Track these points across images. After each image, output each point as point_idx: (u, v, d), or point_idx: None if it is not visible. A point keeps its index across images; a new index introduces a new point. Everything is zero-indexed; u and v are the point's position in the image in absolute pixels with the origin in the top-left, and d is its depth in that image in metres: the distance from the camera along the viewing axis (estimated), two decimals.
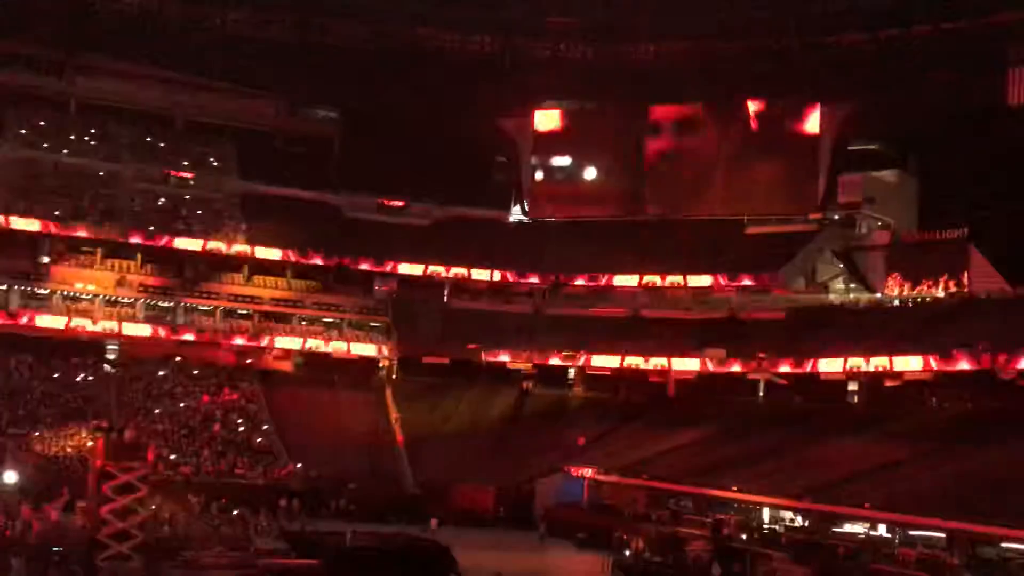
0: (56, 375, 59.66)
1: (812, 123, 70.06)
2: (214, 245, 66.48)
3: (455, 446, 60.27)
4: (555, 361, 66.61)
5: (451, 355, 67.15)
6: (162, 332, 63.01)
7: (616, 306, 69.49)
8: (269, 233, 68.05)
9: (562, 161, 76.70)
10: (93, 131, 71.70)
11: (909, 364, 52.54)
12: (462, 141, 73.13)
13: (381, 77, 72.25)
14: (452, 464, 58.18)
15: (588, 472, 56.72)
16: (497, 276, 71.42)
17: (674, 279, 67.92)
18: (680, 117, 73.81)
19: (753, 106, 71.76)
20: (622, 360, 64.53)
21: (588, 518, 52.86)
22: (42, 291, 61.86)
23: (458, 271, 71.11)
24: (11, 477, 46.68)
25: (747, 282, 65.74)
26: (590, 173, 76.08)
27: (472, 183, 76.24)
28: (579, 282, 70.48)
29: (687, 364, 62.55)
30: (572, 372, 67.90)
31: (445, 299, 71.85)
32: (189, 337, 63.48)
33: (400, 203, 75.42)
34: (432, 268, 70.70)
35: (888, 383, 54.80)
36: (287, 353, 66.36)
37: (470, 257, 71.32)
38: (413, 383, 66.40)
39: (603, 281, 69.91)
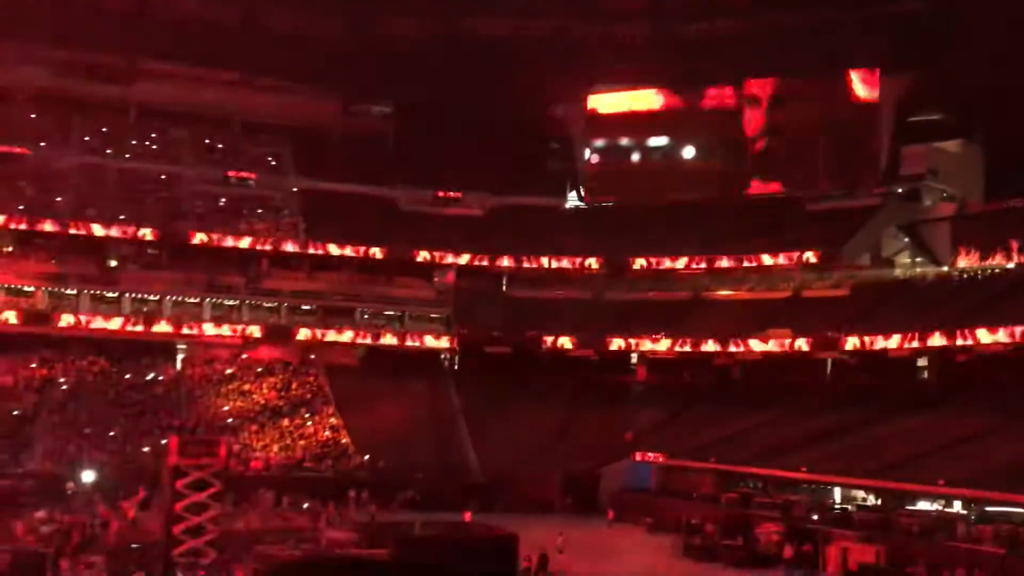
0: (128, 375, 60.95)
1: (873, 94, 68.79)
2: (275, 243, 67.46)
3: (519, 434, 60.36)
4: (617, 346, 66.10)
5: (512, 344, 67.08)
6: (228, 330, 64.04)
7: (677, 289, 68.96)
8: (328, 229, 68.77)
9: (633, 143, 76.67)
10: (153, 135, 73.08)
11: (980, 337, 51.27)
12: (515, 129, 73.14)
13: (434, 69, 72.43)
14: (517, 452, 58.32)
15: (655, 457, 56.46)
16: (556, 263, 71.26)
17: (735, 259, 67.13)
18: (752, 94, 73.09)
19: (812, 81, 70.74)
20: (685, 343, 63.94)
21: (657, 503, 52.65)
22: (111, 294, 63.19)
23: (516, 259, 71.13)
24: (88, 476, 47.91)
25: (810, 260, 64.74)
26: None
27: (527, 170, 76.18)
28: (639, 266, 69.93)
29: (752, 345, 61.71)
30: (635, 357, 67.37)
31: (504, 288, 71.98)
32: (255, 334, 64.45)
33: (456, 194, 75.64)
34: (490, 258, 70.82)
35: (960, 358, 53.63)
36: (351, 347, 66.98)
37: (528, 245, 71.28)
38: (476, 373, 66.47)
39: (663, 264, 69.25)
